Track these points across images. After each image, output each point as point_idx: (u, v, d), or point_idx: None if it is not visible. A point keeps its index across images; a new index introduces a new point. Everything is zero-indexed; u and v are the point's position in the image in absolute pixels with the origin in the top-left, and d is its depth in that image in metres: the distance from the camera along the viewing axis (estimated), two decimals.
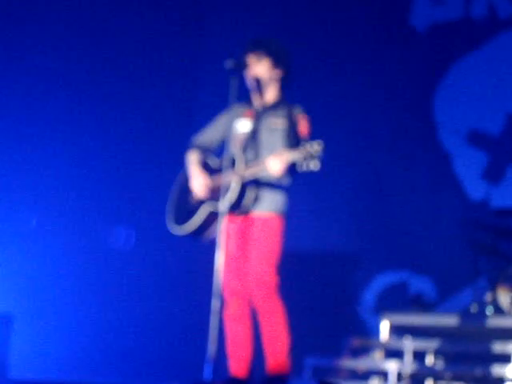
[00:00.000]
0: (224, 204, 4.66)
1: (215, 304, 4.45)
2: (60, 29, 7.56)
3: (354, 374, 6.17)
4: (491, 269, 6.52)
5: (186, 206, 4.99)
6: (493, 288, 6.31)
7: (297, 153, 4.51)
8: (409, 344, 5.94)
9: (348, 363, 6.17)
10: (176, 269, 7.67)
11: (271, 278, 4.76)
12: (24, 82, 7.35)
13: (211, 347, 4.42)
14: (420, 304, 6.63)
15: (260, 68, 4.92)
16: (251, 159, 4.83)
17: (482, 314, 6.14)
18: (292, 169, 4.62)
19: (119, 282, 7.59)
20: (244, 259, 4.82)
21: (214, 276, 4.50)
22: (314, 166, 4.44)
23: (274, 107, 4.95)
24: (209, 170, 4.98)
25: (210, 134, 5.12)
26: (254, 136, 4.91)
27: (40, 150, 7.46)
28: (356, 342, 6.35)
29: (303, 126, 4.86)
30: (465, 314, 6.16)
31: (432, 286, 7.28)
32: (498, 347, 5.76)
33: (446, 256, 7.20)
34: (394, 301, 7.18)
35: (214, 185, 4.87)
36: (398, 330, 6.33)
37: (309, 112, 4.92)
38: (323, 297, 7.35)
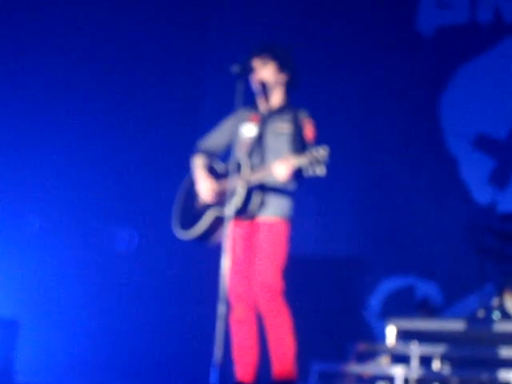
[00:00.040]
0: (230, 209, 4.64)
1: (221, 309, 4.44)
2: (61, 30, 7.59)
3: (360, 379, 6.15)
4: (498, 274, 6.51)
5: (192, 211, 4.98)
6: (499, 293, 6.30)
7: (303, 158, 4.50)
8: (415, 349, 5.92)
9: (354, 368, 6.15)
10: (182, 273, 7.66)
11: (277, 283, 4.74)
12: (27, 86, 7.37)
13: (217, 352, 4.41)
14: (426, 309, 6.62)
15: (265, 72, 4.92)
16: (257, 164, 4.82)
17: (488, 319, 6.12)
18: (298, 174, 4.61)
19: (125, 287, 7.59)
20: (250, 264, 4.81)
21: (219, 281, 4.48)
22: (320, 171, 4.43)
23: (279, 111, 4.94)
24: (214, 174, 4.98)
25: (215, 139, 5.11)
26: (259, 140, 4.90)
27: (46, 155, 7.48)
28: (362, 346, 6.33)
29: (309, 130, 4.85)
30: (471, 319, 6.15)
31: (438, 291, 7.26)
32: (505, 352, 5.75)
33: (452, 261, 7.19)
34: (400, 306, 7.16)
35: (220, 189, 4.86)
36: (404, 335, 6.30)
37: (314, 116, 4.91)
38: (329, 302, 7.34)
